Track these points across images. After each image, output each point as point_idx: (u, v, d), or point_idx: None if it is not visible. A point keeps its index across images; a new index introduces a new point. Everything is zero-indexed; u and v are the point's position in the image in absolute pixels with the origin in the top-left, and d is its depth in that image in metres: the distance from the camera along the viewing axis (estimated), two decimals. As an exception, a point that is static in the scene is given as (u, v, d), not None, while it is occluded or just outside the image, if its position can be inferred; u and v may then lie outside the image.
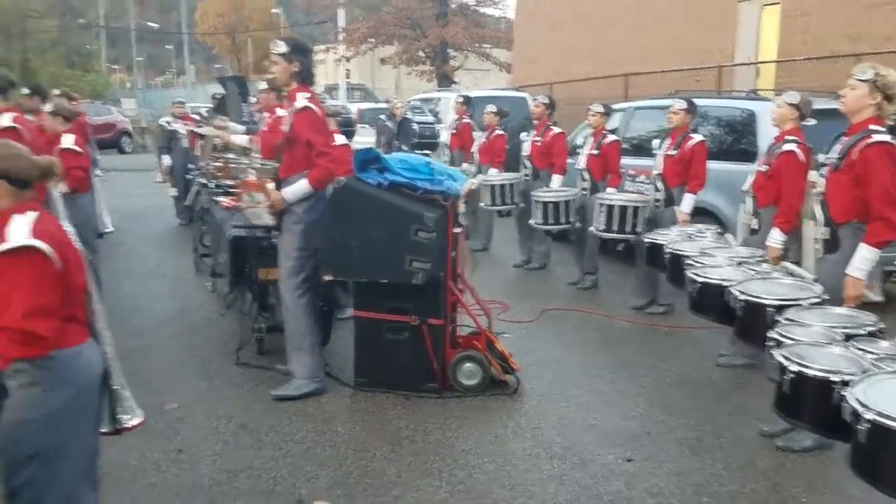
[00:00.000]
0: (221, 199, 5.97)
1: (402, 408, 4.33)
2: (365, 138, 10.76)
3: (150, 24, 43.09)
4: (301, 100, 4.18)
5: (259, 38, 51.19)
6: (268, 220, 4.55)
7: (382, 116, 10.55)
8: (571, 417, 4.24)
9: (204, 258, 7.14)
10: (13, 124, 3.86)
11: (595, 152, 6.73)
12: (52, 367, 2.42)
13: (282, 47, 4.17)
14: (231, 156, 6.54)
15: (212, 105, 11.49)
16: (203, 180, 6.72)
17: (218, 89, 12.11)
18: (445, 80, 25.29)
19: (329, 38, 33.27)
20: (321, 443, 3.92)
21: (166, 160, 9.93)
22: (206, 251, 7.04)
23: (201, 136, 8.14)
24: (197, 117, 10.23)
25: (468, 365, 4.50)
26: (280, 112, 4.90)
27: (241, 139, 6.48)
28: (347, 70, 61.71)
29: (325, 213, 4.33)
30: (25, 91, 6.64)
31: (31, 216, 2.43)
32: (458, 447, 3.87)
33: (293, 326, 4.40)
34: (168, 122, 10.08)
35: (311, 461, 3.72)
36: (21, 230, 2.37)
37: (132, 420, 2.79)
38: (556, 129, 7.39)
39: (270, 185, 4.38)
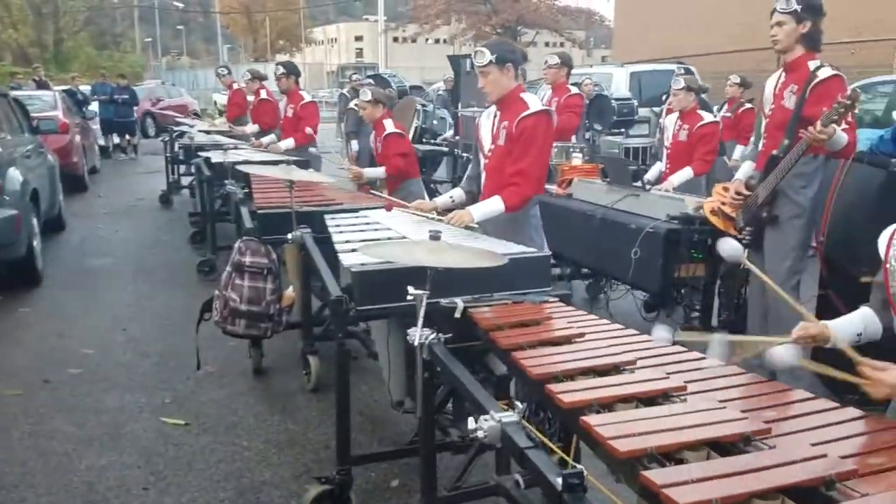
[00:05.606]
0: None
1: None
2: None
3: (175, 2, 43.47)
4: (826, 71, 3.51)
5: (275, 17, 51.45)
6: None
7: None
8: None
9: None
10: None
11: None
12: None
13: (793, 4, 3.48)
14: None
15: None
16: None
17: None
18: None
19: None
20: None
21: (354, 145, 9.16)
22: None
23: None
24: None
25: None
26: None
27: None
28: (359, 49, 60.66)
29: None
30: None
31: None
32: None
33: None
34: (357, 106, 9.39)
35: None
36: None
37: None
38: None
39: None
